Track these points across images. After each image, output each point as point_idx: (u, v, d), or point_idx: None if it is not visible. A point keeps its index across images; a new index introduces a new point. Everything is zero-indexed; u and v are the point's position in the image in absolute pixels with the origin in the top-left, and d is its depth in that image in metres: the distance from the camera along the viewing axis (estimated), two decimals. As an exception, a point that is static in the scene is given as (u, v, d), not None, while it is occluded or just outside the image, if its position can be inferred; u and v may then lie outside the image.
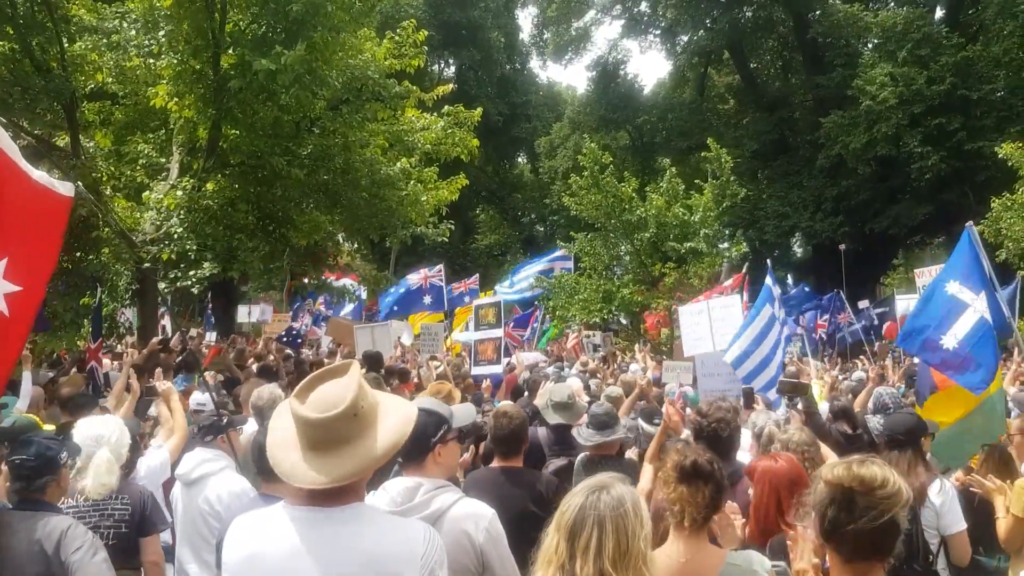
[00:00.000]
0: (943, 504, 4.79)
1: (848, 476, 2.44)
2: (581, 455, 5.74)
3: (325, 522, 2.32)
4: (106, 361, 13.18)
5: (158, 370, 7.83)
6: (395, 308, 20.15)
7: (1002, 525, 4.86)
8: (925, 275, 19.23)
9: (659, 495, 3.35)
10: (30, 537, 3.52)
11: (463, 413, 3.68)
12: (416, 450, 3.22)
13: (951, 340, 5.88)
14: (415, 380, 10.42)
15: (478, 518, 3.19)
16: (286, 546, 2.30)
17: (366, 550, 2.29)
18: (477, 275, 24.86)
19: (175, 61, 11.19)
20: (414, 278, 20.98)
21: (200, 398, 6.37)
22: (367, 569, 2.26)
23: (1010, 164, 20.93)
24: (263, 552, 2.32)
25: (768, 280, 8.94)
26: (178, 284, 11.51)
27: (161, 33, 11.02)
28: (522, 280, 24.45)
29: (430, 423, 3.27)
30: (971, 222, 6.25)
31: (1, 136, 3.86)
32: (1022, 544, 4.84)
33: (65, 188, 4.16)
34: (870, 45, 35.73)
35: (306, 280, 21.20)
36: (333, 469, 2.29)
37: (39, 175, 4.06)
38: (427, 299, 20.84)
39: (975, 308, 5.93)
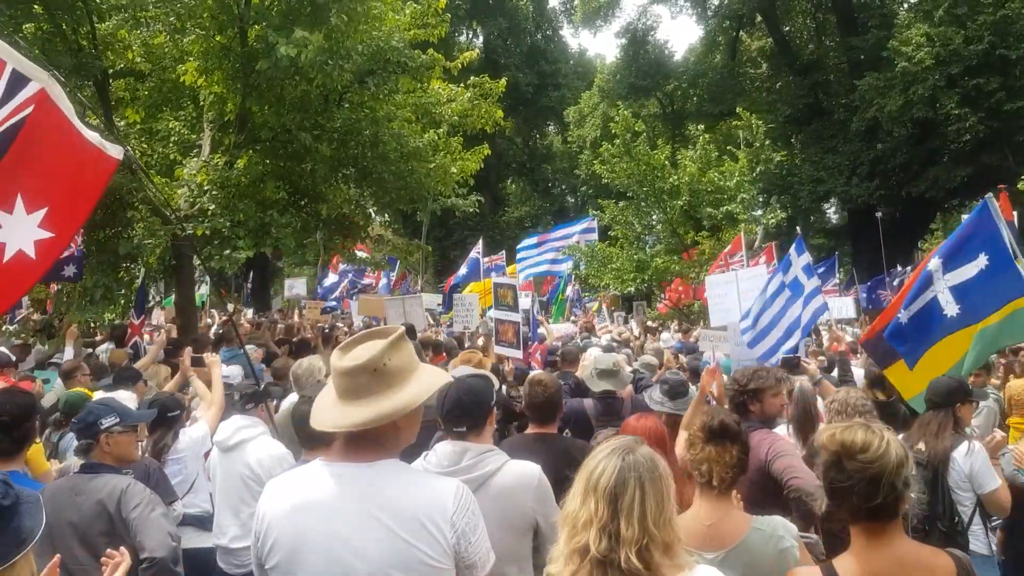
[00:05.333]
0: (973, 465, 4.85)
1: (832, 441, 2.54)
2: None
3: (357, 475, 2.47)
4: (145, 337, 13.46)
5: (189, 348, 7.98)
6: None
7: None
8: None
9: (685, 456, 3.37)
10: (94, 497, 3.77)
11: None
12: (483, 417, 3.40)
13: (905, 315, 6.09)
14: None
15: (527, 478, 3.31)
16: (324, 497, 2.45)
17: (396, 501, 2.41)
18: (503, 252, 25.00)
19: (201, 37, 11.20)
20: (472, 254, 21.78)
21: (226, 370, 6.53)
22: (397, 519, 2.38)
23: None
24: (302, 504, 2.47)
25: (792, 249, 8.64)
26: (212, 264, 11.60)
27: (181, 7, 10.99)
28: (546, 252, 24.29)
29: (490, 390, 3.48)
30: (990, 194, 6.18)
31: (60, 95, 4.12)
32: None
33: (115, 150, 4.44)
34: (906, 5, 34.89)
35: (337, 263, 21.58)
36: (350, 415, 2.46)
37: (91, 135, 4.32)
38: (463, 270, 21.38)
39: (934, 288, 6.04)
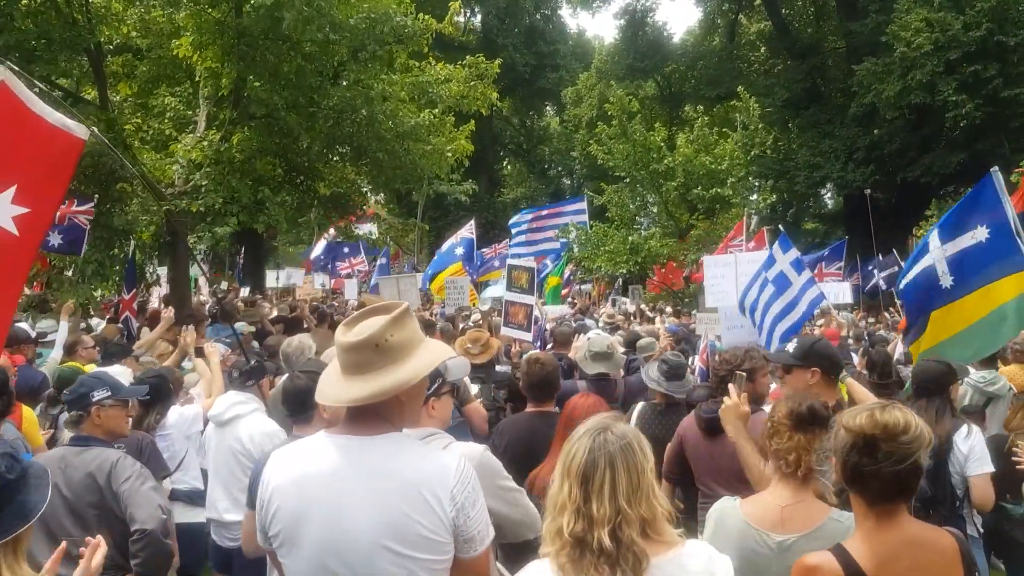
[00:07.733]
0: (971, 447, 4.82)
1: (870, 423, 2.47)
2: (642, 404, 5.76)
3: (360, 448, 2.49)
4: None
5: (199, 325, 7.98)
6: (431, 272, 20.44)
7: None
8: None
9: (766, 445, 3.28)
10: (84, 470, 3.78)
11: (458, 367, 3.71)
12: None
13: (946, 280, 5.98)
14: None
15: (467, 458, 3.26)
16: (327, 468, 2.47)
17: (399, 474, 2.43)
18: (507, 241, 24.65)
19: (196, 11, 11.10)
20: (445, 244, 21.18)
21: (220, 349, 6.57)
22: (400, 491, 2.40)
23: None
24: (306, 474, 2.50)
25: (776, 246, 8.54)
26: (203, 239, 11.55)
27: None
28: (538, 232, 23.84)
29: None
30: (995, 168, 6.08)
31: (16, 84, 4.24)
32: None
33: (80, 130, 4.54)
34: (905, -11, 34.62)
35: (332, 231, 21.26)
36: (350, 391, 2.49)
37: (55, 117, 4.43)
38: (459, 251, 20.98)
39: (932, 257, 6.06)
